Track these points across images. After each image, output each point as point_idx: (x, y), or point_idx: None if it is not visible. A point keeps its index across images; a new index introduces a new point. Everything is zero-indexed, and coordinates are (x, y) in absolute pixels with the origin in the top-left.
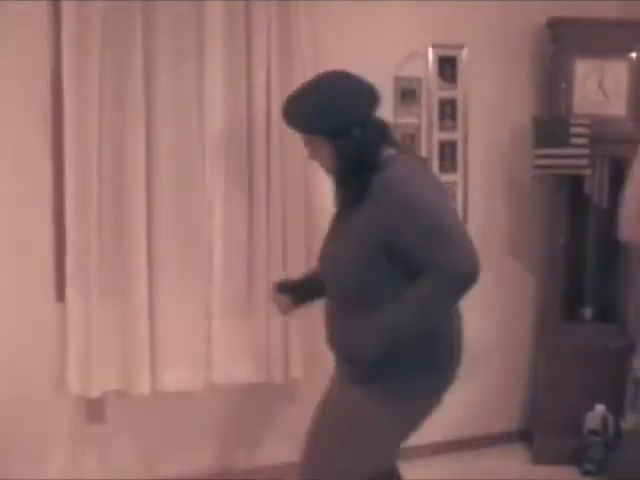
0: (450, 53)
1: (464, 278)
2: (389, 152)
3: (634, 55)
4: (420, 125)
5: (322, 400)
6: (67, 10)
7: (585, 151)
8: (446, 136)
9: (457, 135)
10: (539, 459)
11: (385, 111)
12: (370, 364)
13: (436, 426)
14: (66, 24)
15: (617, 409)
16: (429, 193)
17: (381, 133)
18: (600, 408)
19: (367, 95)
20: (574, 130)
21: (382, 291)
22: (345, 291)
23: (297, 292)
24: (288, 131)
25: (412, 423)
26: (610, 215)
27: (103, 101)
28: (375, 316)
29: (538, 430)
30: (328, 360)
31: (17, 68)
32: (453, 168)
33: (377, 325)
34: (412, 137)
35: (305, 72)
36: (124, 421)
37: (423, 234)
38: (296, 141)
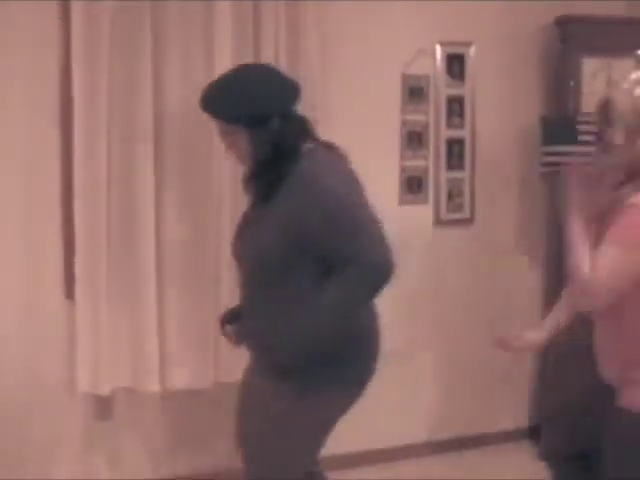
0: (458, 50)
1: (386, 272)
2: (309, 146)
3: None
4: (428, 123)
5: (242, 402)
6: (76, 10)
7: (592, 149)
8: (454, 134)
9: (465, 133)
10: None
11: (393, 109)
12: (293, 364)
13: (445, 423)
14: (75, 24)
15: None
16: (346, 188)
17: (301, 128)
18: None
19: (288, 88)
20: (582, 128)
21: (300, 285)
22: (264, 283)
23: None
24: None
25: (335, 417)
26: None
27: (112, 101)
28: (298, 316)
29: (549, 428)
30: None
31: (26, 68)
32: (461, 166)
33: (302, 326)
34: (419, 135)
35: (313, 71)
36: (133, 419)
37: (343, 230)
38: None
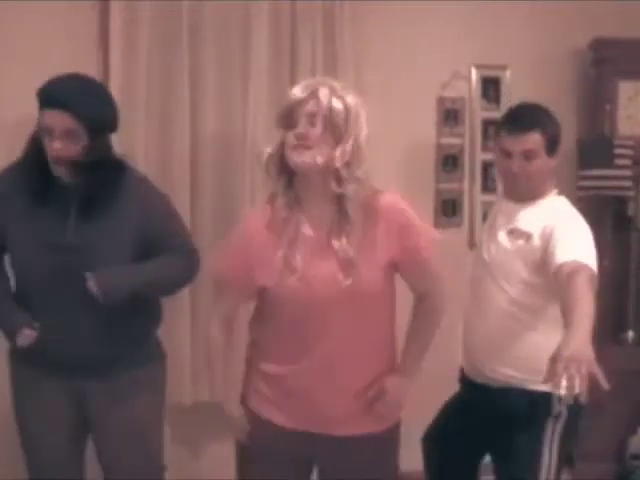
0: (493, 74)
1: (198, 268)
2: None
3: None
4: (463, 146)
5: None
6: (115, 10)
7: (628, 172)
8: (489, 157)
9: None
10: None
11: (428, 131)
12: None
13: None
14: (114, 25)
15: None
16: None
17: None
18: None
19: None
20: (618, 151)
21: None
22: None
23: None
24: None
25: None
26: None
27: (150, 101)
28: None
29: (579, 453)
30: None
31: (64, 69)
32: (496, 189)
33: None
34: (455, 158)
35: (348, 75)
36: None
37: (176, 227)
38: None
